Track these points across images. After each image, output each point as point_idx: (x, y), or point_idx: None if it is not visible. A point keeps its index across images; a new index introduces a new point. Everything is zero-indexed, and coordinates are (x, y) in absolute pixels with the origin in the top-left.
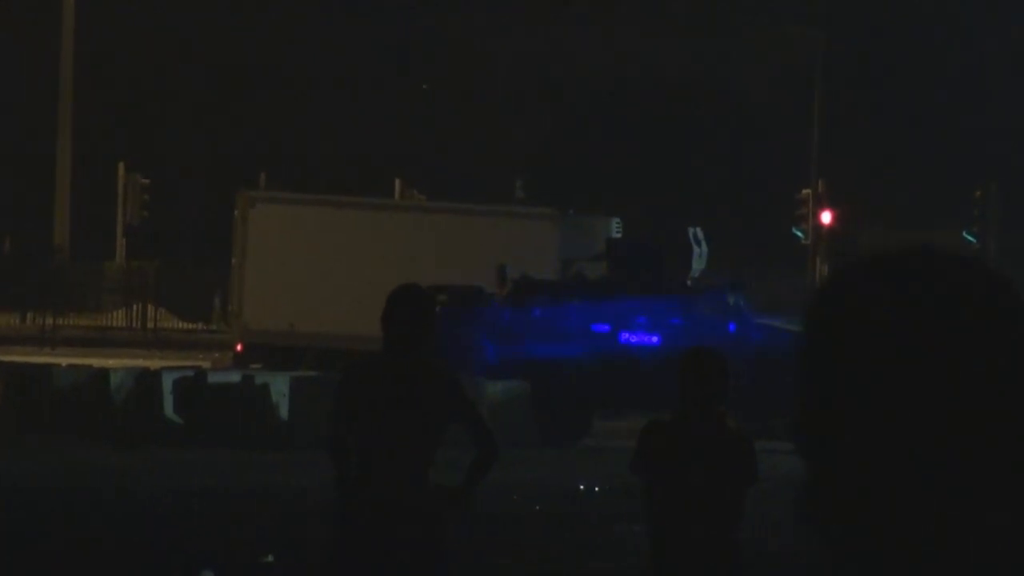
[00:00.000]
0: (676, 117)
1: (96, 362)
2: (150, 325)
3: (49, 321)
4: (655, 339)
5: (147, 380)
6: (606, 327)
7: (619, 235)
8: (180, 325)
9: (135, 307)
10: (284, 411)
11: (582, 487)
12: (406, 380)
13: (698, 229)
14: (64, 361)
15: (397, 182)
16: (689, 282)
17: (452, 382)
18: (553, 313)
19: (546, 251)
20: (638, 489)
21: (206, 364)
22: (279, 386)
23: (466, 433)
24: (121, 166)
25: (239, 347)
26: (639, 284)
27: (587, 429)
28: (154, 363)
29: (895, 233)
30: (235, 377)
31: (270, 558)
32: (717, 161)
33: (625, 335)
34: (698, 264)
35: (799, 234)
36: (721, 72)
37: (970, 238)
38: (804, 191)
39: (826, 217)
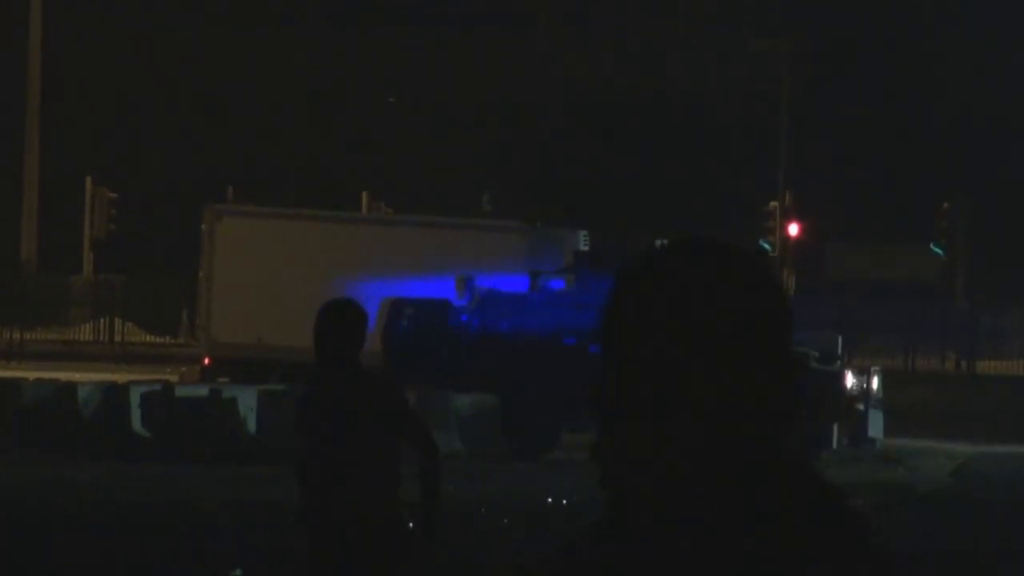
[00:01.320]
0: (646, 130)
1: (64, 376)
2: (117, 339)
3: (16, 335)
4: None
5: (115, 394)
6: (572, 339)
7: (587, 248)
8: (148, 339)
9: (102, 321)
10: (252, 425)
11: (550, 500)
12: (350, 391)
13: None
14: (32, 375)
15: (364, 195)
16: None
17: (393, 387)
18: (520, 326)
19: (514, 264)
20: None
21: (174, 378)
22: (247, 400)
23: (407, 440)
24: (88, 180)
25: (207, 360)
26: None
27: (556, 442)
28: (122, 377)
29: (862, 245)
30: (203, 391)
31: (239, 572)
32: (686, 173)
33: (592, 347)
34: None
35: (766, 246)
36: (691, 84)
37: (937, 250)
38: (772, 203)
39: (793, 229)
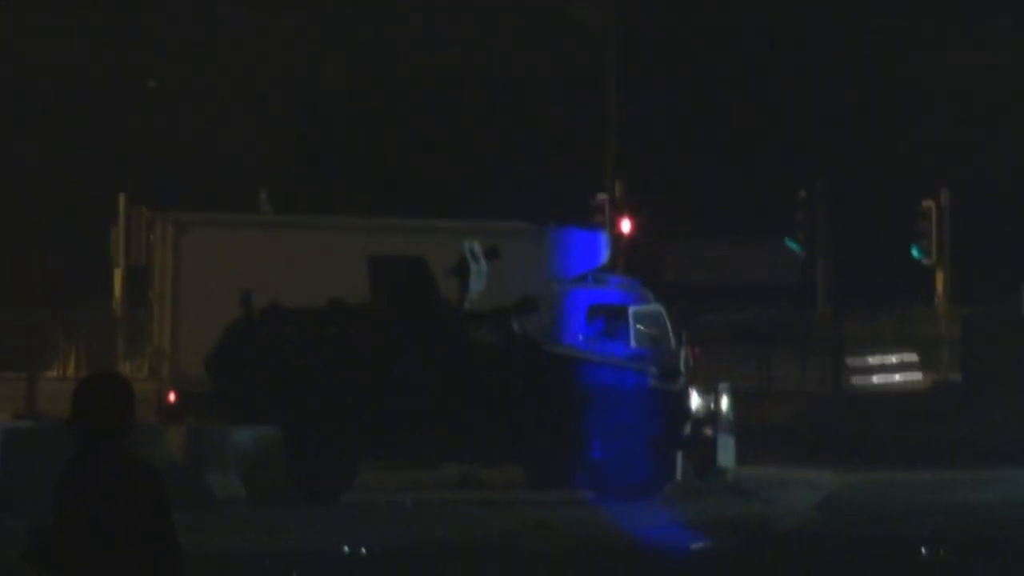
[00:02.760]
0: (463, 116)
1: None
2: None
3: None
4: (427, 373)
5: None
6: (370, 361)
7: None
8: None
9: None
10: None
11: (347, 549)
12: (99, 482)
13: (475, 243)
14: None
15: (121, 197)
16: (467, 305)
17: (148, 486)
18: (308, 346)
19: (529, 270)
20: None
21: None
22: None
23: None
24: None
25: (172, 396)
26: (407, 309)
27: (351, 481)
28: None
29: (708, 243)
30: None
31: None
32: (505, 162)
33: (392, 370)
34: (477, 284)
35: (794, 245)
36: (514, 70)
37: (793, 245)
38: (599, 196)
39: (625, 226)
